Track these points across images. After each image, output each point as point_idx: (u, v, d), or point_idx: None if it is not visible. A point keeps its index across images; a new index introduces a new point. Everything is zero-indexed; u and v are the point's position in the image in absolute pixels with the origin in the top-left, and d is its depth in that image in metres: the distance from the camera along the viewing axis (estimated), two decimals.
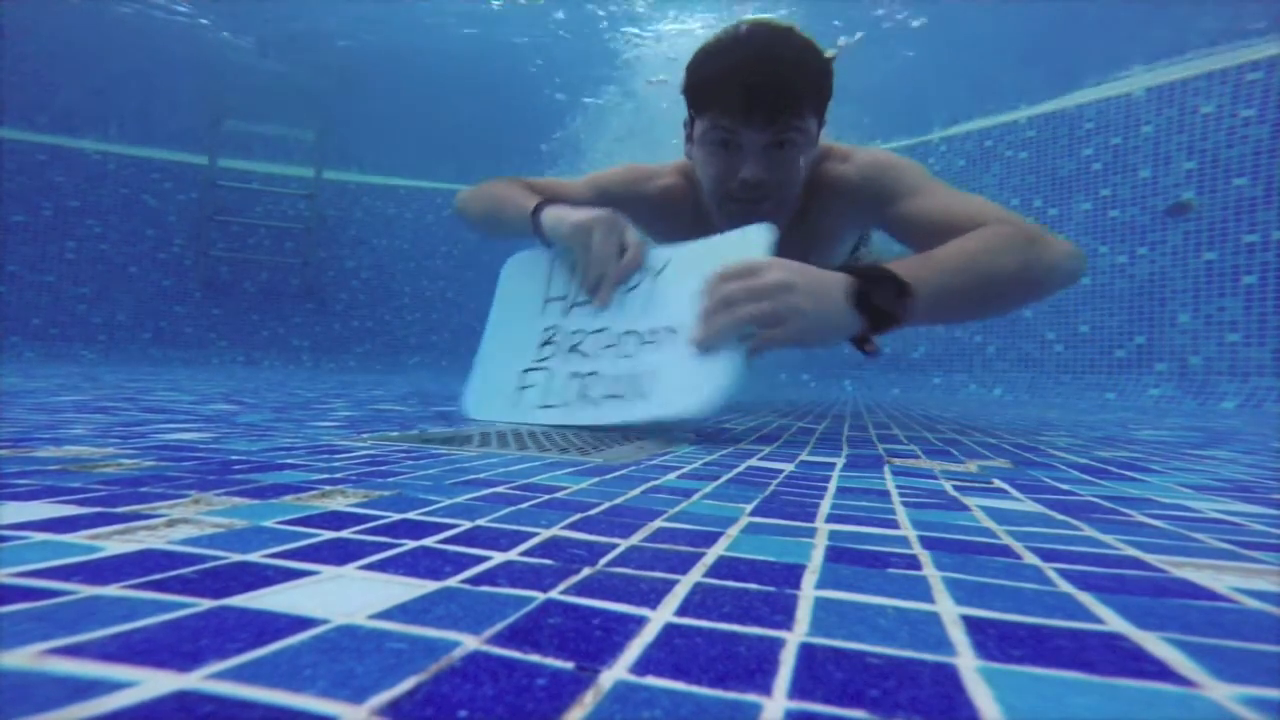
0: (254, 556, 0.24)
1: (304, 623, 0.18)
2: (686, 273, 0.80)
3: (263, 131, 4.85)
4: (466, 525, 0.31)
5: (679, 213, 1.08)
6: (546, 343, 0.89)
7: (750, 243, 0.78)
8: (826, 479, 0.49)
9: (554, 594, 0.21)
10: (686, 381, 0.73)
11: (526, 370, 0.88)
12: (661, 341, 0.78)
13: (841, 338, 0.73)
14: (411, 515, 0.32)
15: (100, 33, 4.05)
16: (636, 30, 4.33)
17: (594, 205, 1.07)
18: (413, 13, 4.01)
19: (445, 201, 5.18)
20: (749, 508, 0.37)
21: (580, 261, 0.87)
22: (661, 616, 0.20)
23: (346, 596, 0.20)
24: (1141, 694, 0.16)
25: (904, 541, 0.30)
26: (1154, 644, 0.19)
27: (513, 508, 0.35)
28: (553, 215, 0.90)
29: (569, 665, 0.16)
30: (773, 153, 0.90)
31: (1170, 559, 0.29)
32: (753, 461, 0.58)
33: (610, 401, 0.78)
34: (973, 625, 0.20)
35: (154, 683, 0.14)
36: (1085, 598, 0.23)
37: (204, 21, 3.99)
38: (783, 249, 1.02)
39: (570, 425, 0.80)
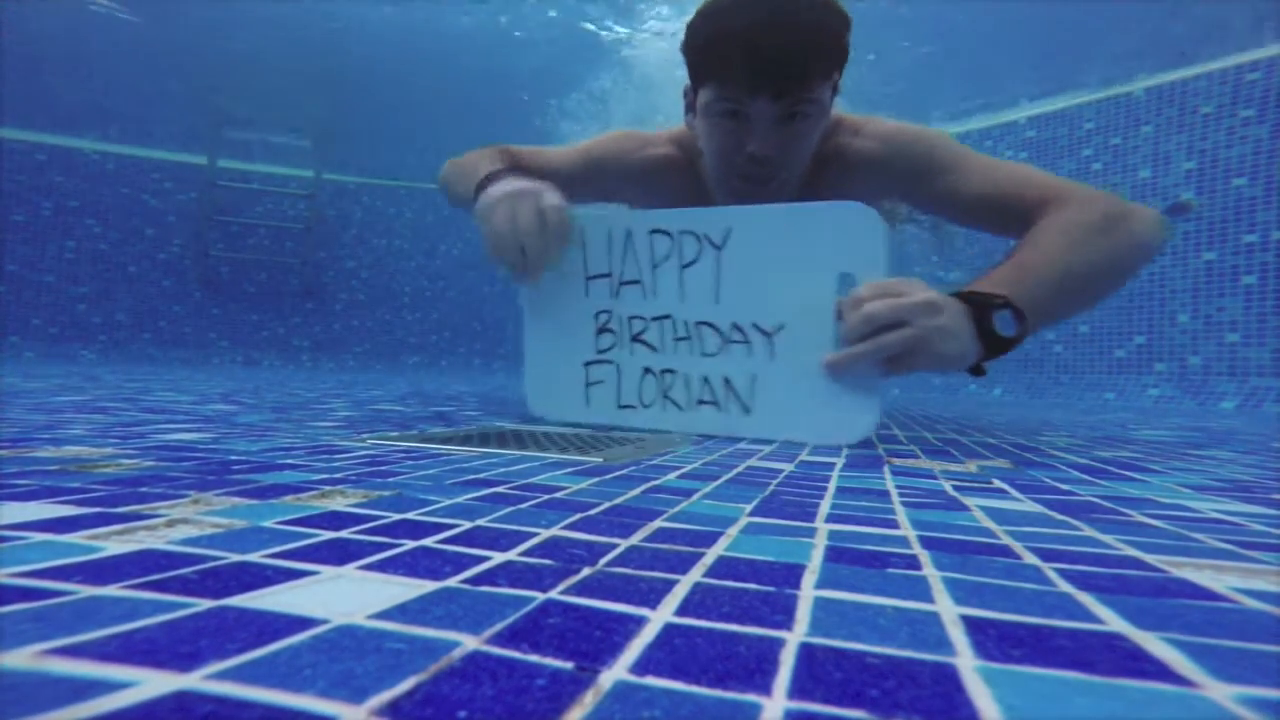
0: (254, 556, 0.24)
1: (303, 623, 0.18)
2: (768, 248, 0.72)
3: (262, 138, 4.85)
4: (466, 525, 0.31)
5: (673, 185, 1.01)
6: (603, 330, 0.80)
7: (857, 227, 0.69)
8: (826, 479, 0.49)
9: (554, 594, 0.21)
10: (822, 403, 0.68)
11: (589, 364, 0.81)
12: (755, 343, 0.71)
13: (964, 365, 0.70)
14: (411, 515, 0.32)
15: (100, 34, 4.05)
16: (629, 31, 4.32)
17: (581, 174, 1.01)
18: (411, 12, 4.01)
19: (445, 201, 5.18)
20: (749, 508, 0.37)
21: (485, 243, 0.79)
22: (661, 616, 0.20)
23: (346, 596, 0.20)
24: (1141, 694, 0.16)
25: (904, 541, 0.30)
26: (1154, 644, 0.19)
27: (513, 508, 0.35)
28: (481, 202, 0.82)
29: (569, 665, 0.16)
30: (784, 126, 0.82)
31: (1170, 559, 0.29)
32: (753, 461, 0.58)
33: (706, 409, 0.73)
34: (972, 625, 0.20)
35: (154, 683, 0.14)
36: (1085, 598, 0.23)
37: (205, 22, 3.99)
38: None
39: (663, 430, 0.76)
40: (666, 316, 0.76)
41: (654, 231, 0.78)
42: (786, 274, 0.70)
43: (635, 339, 0.78)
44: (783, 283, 0.70)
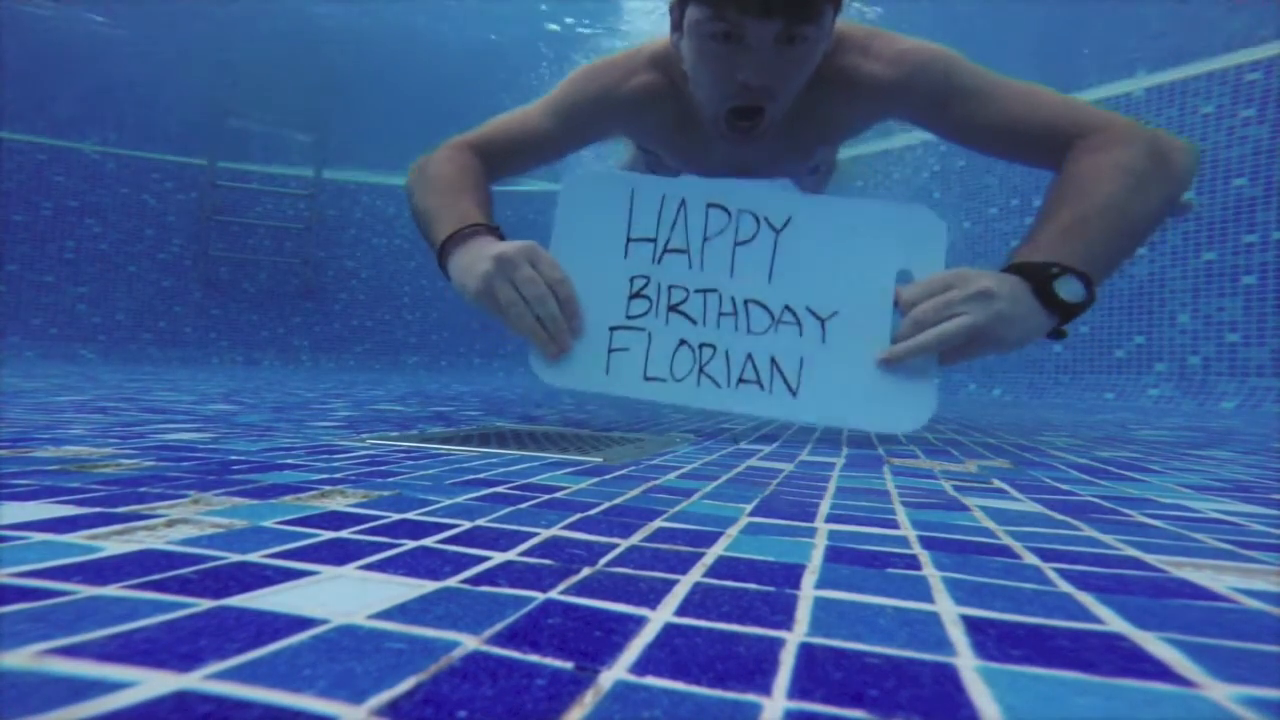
0: (253, 556, 0.24)
1: (303, 623, 0.18)
2: (829, 238, 0.71)
3: (262, 133, 4.85)
4: (466, 525, 0.31)
5: (660, 115, 0.93)
6: (637, 294, 0.75)
7: (919, 228, 0.70)
8: (826, 479, 0.49)
9: (554, 594, 0.21)
10: (877, 391, 0.67)
11: (615, 328, 0.75)
12: (806, 326, 0.70)
13: (1037, 338, 0.69)
14: (411, 515, 0.32)
15: (100, 35, 4.05)
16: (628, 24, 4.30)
17: (561, 132, 0.94)
18: (407, 14, 4.01)
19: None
20: (749, 508, 0.37)
21: (506, 325, 0.74)
22: (661, 616, 0.20)
23: (346, 596, 0.20)
24: (1141, 694, 0.16)
25: (904, 541, 0.30)
26: (1154, 644, 0.19)
27: (512, 508, 0.35)
28: (457, 268, 0.77)
29: (568, 665, 0.16)
30: (781, 51, 0.74)
31: (1170, 559, 0.29)
32: (753, 461, 0.58)
33: (748, 389, 0.70)
34: (972, 625, 0.20)
35: (153, 683, 0.14)
36: (1085, 598, 0.23)
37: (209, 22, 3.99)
38: (769, 147, 0.91)
39: (690, 406, 0.72)
40: (713, 290, 0.73)
41: (712, 205, 0.75)
42: (845, 263, 0.70)
43: (673, 309, 0.74)
44: (840, 271, 0.70)
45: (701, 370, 0.72)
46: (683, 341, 0.73)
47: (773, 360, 0.70)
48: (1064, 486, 0.49)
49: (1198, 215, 2.89)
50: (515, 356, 5.07)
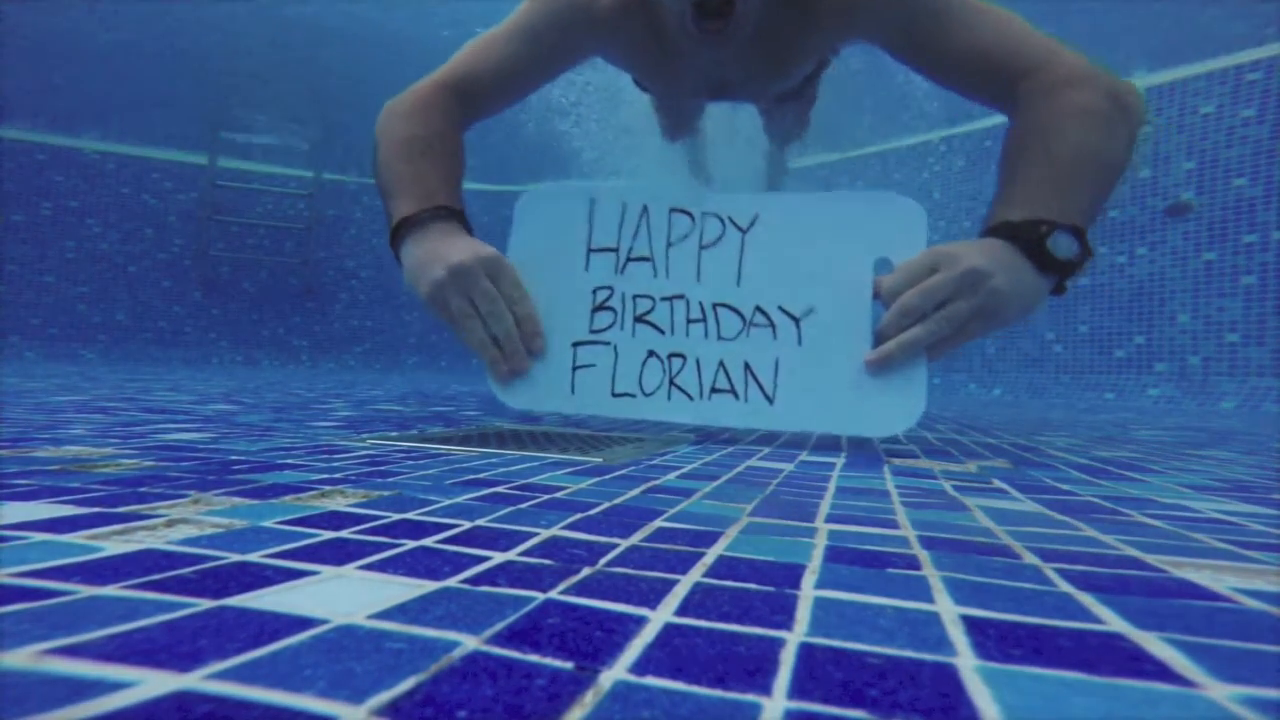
0: (253, 556, 0.24)
1: (303, 623, 0.18)
2: (798, 234, 0.68)
3: (262, 140, 4.85)
4: (466, 525, 0.31)
5: (631, 32, 0.89)
6: (600, 307, 0.72)
7: (896, 215, 0.66)
8: (826, 479, 0.49)
9: (554, 594, 0.21)
10: (859, 392, 0.63)
11: (579, 344, 0.72)
12: (780, 327, 0.66)
13: (1040, 306, 0.65)
14: (411, 515, 0.32)
15: (100, 35, 4.05)
16: None
17: (531, 59, 0.88)
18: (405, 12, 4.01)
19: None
20: (749, 508, 0.37)
21: (458, 335, 0.71)
22: (661, 616, 0.20)
23: (346, 596, 0.20)
24: (1141, 694, 0.16)
25: (904, 541, 0.30)
26: (1154, 644, 0.19)
27: (512, 508, 0.35)
28: (410, 260, 0.73)
29: (569, 665, 0.16)
30: None
31: (1170, 559, 0.29)
32: (753, 461, 0.58)
33: (721, 399, 0.67)
34: (972, 625, 0.20)
35: (153, 683, 0.14)
36: (1085, 598, 0.23)
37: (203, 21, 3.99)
38: (744, 63, 0.88)
39: (661, 421, 0.70)
40: (679, 296, 0.70)
41: (675, 211, 0.73)
42: (818, 258, 0.66)
43: (639, 319, 0.71)
44: (813, 266, 0.66)
45: (672, 382, 0.69)
46: (651, 353, 0.70)
47: (746, 366, 0.67)
48: (1064, 486, 0.49)
49: (1198, 215, 2.89)
50: None
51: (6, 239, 4.23)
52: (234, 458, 0.48)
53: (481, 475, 0.45)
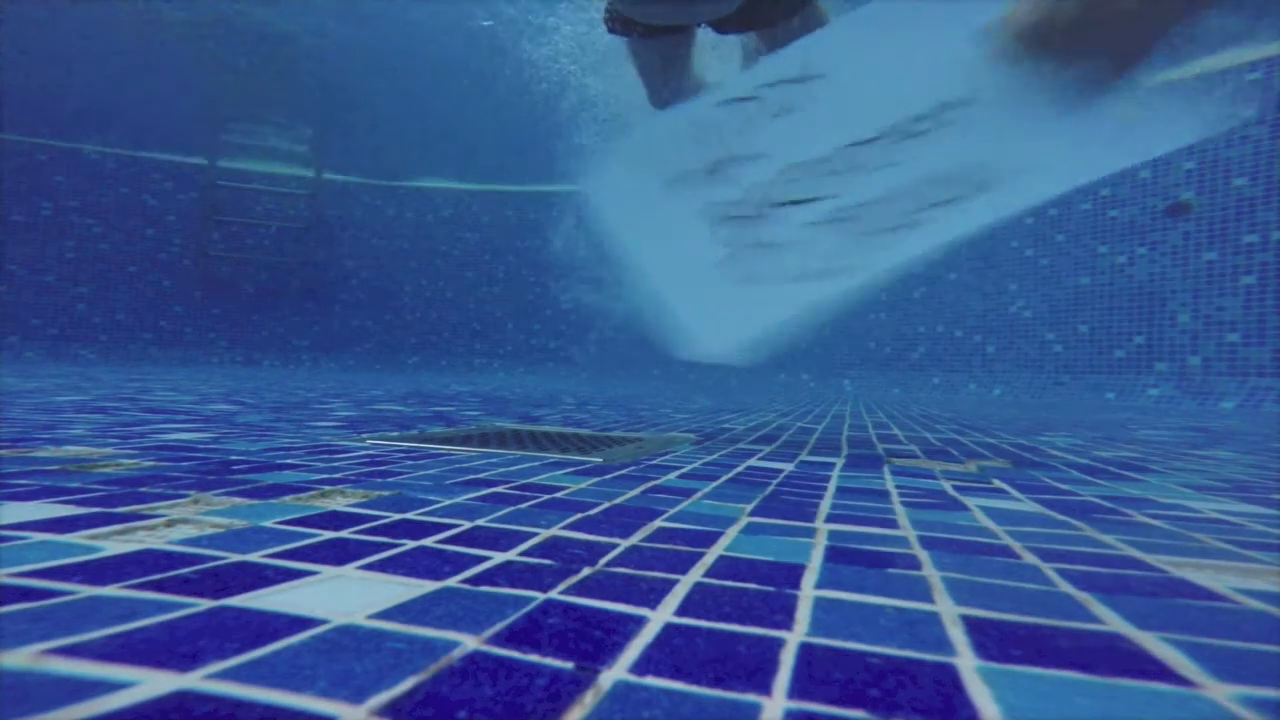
0: (253, 556, 0.24)
1: (303, 623, 0.18)
2: (869, 56, 0.61)
3: (260, 143, 4.84)
4: (466, 525, 0.31)
5: None
6: (732, 217, 0.66)
7: None
8: (826, 479, 0.49)
9: (554, 594, 0.21)
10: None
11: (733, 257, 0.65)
12: (930, 128, 0.58)
13: None
14: (411, 515, 0.32)
15: (100, 39, 4.05)
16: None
17: None
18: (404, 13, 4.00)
19: (445, 201, 5.18)
20: (749, 508, 0.37)
21: None
22: (661, 616, 0.20)
23: (346, 596, 0.20)
24: (1141, 694, 0.16)
25: (904, 541, 0.30)
26: (1154, 644, 0.19)
27: (513, 508, 0.35)
28: None
29: (569, 665, 0.16)
30: None
31: (1170, 559, 0.29)
32: (753, 461, 0.58)
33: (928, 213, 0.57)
34: (973, 625, 0.20)
35: (153, 683, 0.14)
36: (1085, 598, 0.23)
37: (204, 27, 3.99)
38: None
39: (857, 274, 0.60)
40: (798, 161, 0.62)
41: None
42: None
43: (781, 205, 0.63)
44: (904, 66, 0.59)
45: (850, 233, 0.61)
46: (809, 224, 0.62)
47: (935, 177, 0.58)
48: (1064, 486, 0.49)
49: (1198, 215, 2.89)
50: (515, 356, 5.08)
51: (6, 239, 4.23)
52: (234, 458, 0.48)
53: (482, 475, 0.45)
